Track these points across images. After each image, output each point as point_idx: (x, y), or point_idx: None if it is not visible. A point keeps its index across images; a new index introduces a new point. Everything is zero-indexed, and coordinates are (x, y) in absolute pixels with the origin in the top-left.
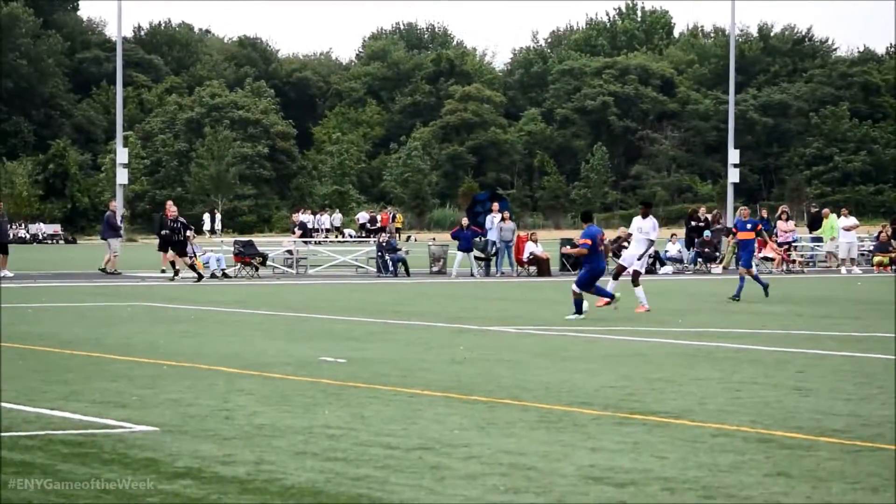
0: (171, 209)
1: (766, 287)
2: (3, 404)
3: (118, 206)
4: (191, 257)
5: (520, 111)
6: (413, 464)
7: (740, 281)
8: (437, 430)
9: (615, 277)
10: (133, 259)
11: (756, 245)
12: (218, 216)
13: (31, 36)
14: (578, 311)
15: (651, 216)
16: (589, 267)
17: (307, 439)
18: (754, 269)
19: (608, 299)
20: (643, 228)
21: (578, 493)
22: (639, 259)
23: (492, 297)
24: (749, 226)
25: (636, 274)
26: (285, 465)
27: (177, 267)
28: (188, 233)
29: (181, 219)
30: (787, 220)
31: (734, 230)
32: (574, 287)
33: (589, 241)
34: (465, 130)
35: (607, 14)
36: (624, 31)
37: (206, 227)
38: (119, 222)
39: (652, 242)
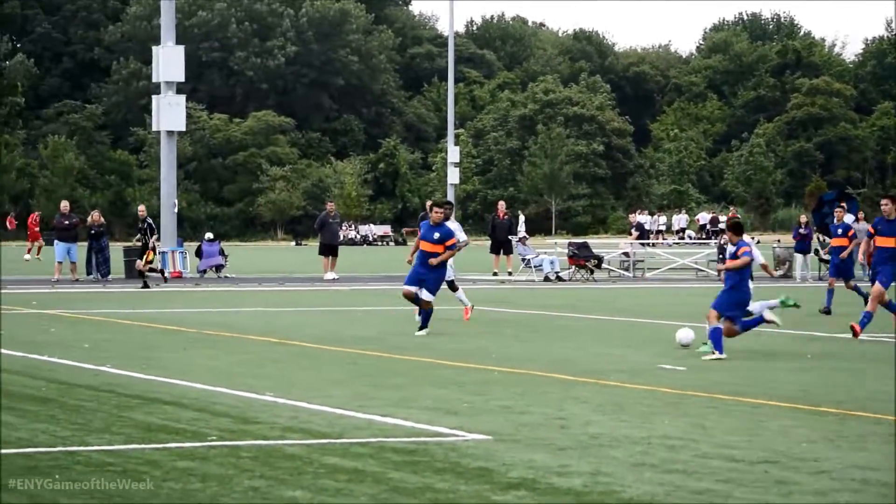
0: (502, 210)
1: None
2: (334, 410)
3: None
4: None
5: (872, 105)
6: (758, 478)
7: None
8: (783, 443)
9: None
10: (463, 261)
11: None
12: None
13: (363, 32)
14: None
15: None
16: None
17: (645, 450)
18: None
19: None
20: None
21: None
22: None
23: (840, 302)
24: (840, 231)
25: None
26: (623, 476)
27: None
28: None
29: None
30: None
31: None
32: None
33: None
34: (813, 126)
35: None
36: None
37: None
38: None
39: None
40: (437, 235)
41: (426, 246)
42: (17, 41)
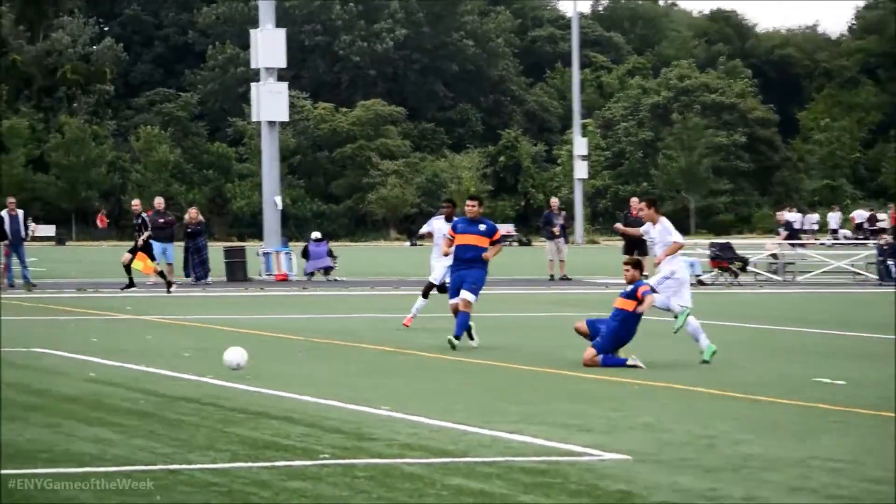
0: (636, 205)
1: None
2: (457, 425)
3: (577, 203)
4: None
5: None
6: None
7: None
8: None
9: (425, 295)
10: (594, 263)
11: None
12: None
13: (479, 13)
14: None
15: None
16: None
17: (804, 473)
18: None
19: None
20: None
21: None
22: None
23: None
24: None
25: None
26: (779, 502)
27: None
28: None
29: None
30: None
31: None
32: None
33: None
34: None
35: None
36: None
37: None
38: (557, 221)
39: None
40: (483, 227)
41: (471, 239)
42: (105, 24)
